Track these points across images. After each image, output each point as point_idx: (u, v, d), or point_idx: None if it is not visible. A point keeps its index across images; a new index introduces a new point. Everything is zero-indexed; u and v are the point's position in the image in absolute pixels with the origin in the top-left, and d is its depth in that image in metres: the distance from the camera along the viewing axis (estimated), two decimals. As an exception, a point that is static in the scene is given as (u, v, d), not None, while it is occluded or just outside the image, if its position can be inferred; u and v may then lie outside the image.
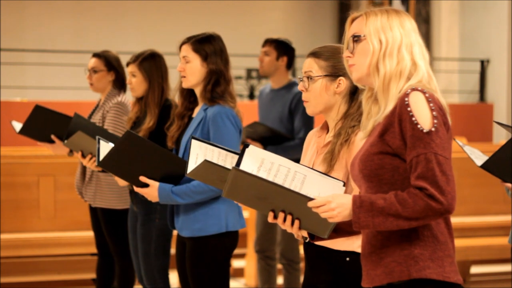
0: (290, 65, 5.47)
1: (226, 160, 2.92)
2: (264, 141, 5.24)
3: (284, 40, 5.51)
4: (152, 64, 4.47)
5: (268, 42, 5.46)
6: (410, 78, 2.32)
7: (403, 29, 2.35)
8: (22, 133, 4.69)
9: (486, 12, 11.77)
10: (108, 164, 3.64)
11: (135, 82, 4.48)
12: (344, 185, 2.42)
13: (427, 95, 2.26)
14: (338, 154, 2.76)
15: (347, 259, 2.79)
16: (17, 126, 4.77)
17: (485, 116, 11.41)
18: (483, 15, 11.79)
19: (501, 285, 6.53)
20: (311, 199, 2.30)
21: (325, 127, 2.95)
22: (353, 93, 2.88)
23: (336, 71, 2.85)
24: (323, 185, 2.41)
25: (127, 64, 4.55)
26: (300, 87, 2.89)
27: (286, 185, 2.39)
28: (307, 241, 2.88)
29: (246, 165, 2.41)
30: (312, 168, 2.47)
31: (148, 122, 4.35)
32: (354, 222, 2.24)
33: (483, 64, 11.97)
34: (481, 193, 6.48)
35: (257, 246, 5.64)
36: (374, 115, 2.37)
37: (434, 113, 2.23)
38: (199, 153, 2.99)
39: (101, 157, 3.79)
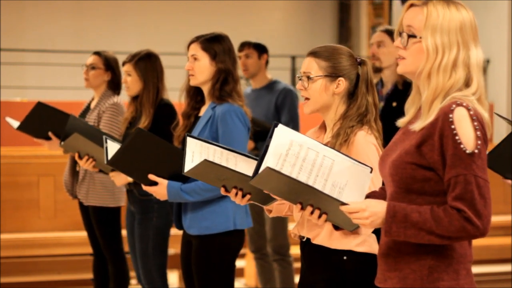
0: (267, 62, 5.59)
1: (222, 157, 2.91)
2: (256, 137, 5.26)
3: (256, 41, 5.61)
4: (147, 64, 4.49)
5: (246, 44, 5.55)
6: (460, 90, 2.24)
7: (462, 35, 2.27)
8: (20, 129, 4.69)
9: (486, 12, 11.76)
10: (118, 163, 3.62)
11: (130, 81, 4.51)
12: (371, 172, 2.38)
13: (471, 112, 2.18)
14: None
15: (344, 258, 2.79)
16: (13, 122, 4.77)
17: (485, 116, 11.40)
18: (483, 15, 11.77)
19: (501, 285, 6.53)
20: (344, 203, 2.28)
21: (323, 128, 2.96)
22: (352, 93, 2.89)
23: (336, 72, 2.87)
24: (352, 173, 2.37)
25: (123, 63, 4.57)
26: (299, 86, 2.90)
27: (314, 172, 2.37)
28: (304, 240, 2.89)
29: (275, 148, 2.39)
30: (340, 152, 2.44)
31: (143, 122, 4.37)
32: (386, 231, 2.21)
33: (483, 64, 11.97)
34: (481, 193, 6.46)
35: (252, 246, 5.65)
36: (416, 102, 2.32)
37: (478, 133, 2.16)
38: (195, 151, 2.98)
39: (110, 156, 3.78)
